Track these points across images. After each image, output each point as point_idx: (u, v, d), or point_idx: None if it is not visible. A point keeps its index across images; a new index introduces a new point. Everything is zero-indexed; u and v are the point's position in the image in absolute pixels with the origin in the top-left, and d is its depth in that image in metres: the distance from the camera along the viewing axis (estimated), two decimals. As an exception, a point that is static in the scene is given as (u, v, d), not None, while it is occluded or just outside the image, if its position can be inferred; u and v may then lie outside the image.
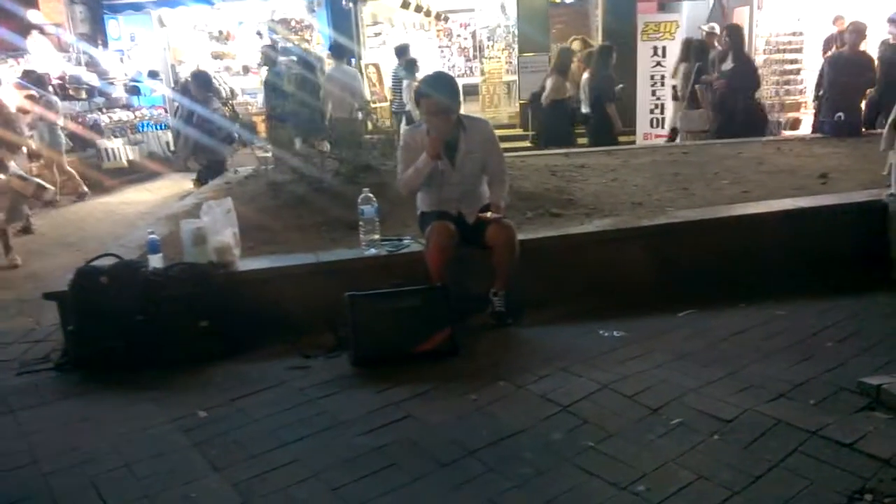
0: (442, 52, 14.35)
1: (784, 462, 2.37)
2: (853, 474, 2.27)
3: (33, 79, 8.87)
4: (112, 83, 10.75)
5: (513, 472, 2.43)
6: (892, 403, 2.61)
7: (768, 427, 2.58)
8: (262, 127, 11.40)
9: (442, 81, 3.89)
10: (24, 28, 10.09)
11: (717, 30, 8.59)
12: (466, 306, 3.74)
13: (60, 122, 8.84)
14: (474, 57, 14.46)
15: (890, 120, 4.30)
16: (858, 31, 7.11)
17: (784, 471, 2.33)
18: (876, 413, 2.63)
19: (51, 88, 9.47)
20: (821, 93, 7.61)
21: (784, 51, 10.28)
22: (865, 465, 2.32)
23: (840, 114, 7.00)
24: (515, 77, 12.47)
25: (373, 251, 3.96)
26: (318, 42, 11.72)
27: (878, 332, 3.39)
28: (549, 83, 8.26)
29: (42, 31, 10.36)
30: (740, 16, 11.16)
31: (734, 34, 7.58)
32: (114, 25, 12.00)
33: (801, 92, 10.16)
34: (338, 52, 8.80)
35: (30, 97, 9.15)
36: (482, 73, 13.20)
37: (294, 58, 8.61)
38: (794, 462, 2.37)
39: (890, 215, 4.19)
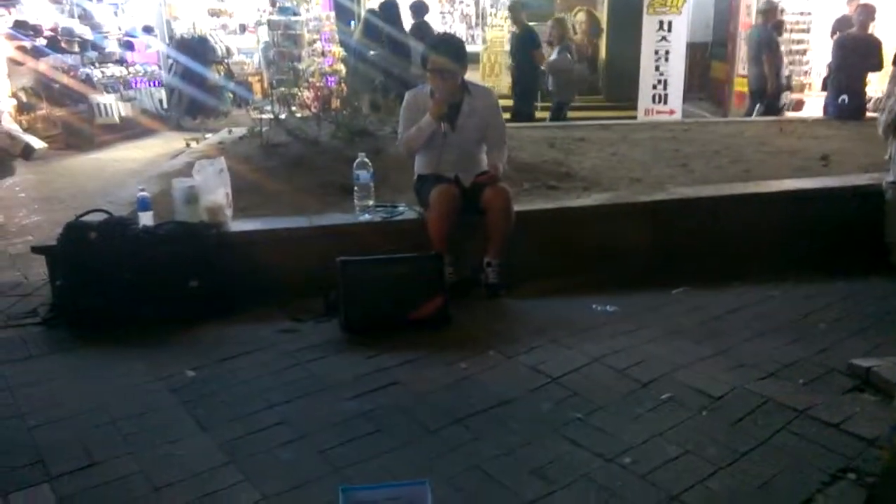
0: (444, 17, 14.14)
1: (770, 440, 2.37)
2: (838, 453, 2.28)
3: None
4: (106, 37, 10.55)
5: (499, 441, 2.42)
6: (881, 385, 2.61)
7: (757, 405, 2.58)
8: (257, 87, 11.28)
9: (449, 43, 3.95)
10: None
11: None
12: (468, 283, 3.72)
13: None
14: (476, 24, 14.26)
15: (891, 107, 4.24)
16: (868, 13, 7.03)
17: (770, 448, 2.33)
18: (864, 395, 2.63)
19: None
20: (826, 74, 7.56)
21: (791, 30, 10.12)
22: (850, 444, 2.33)
23: (844, 96, 6.95)
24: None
25: (367, 217, 3.92)
26: (318, 3, 11.51)
27: (870, 316, 3.40)
28: None
29: (35, -19, 10.13)
30: (748, -8, 11.02)
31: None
32: (110, -22, 11.76)
33: (806, 73, 10.04)
34: (418, 10, 8.66)
35: (21, 48, 9.00)
36: (484, 41, 13.01)
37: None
38: (780, 440, 2.37)
39: (887, 202, 4.17)
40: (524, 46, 8.04)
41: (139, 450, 2.41)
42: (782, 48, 8.07)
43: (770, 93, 7.92)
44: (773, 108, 8.00)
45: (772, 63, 7.74)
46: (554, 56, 8.11)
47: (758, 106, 8.13)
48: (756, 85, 8.09)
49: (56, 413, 2.66)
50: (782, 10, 8.51)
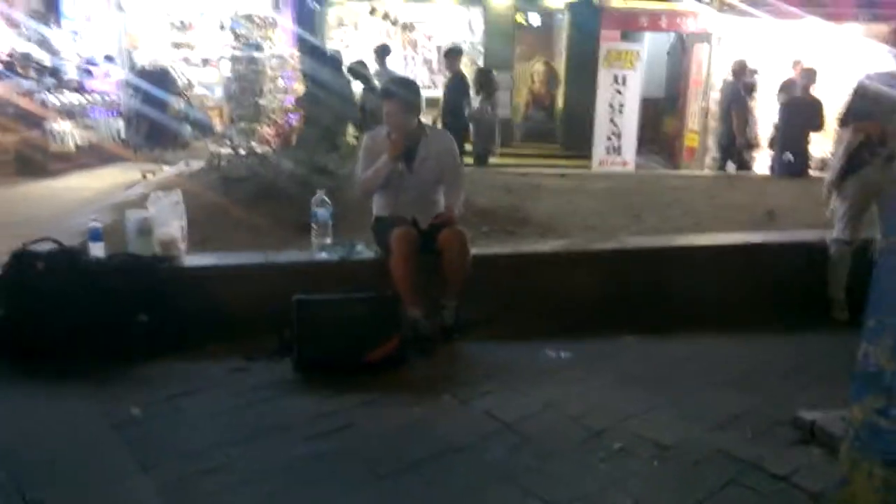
0: (406, 61, 14.32)
1: (721, 492, 2.40)
2: (785, 506, 2.32)
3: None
4: (64, 63, 10.37)
5: (451, 488, 2.40)
6: (826, 439, 2.66)
7: (706, 456, 2.61)
8: (217, 121, 11.20)
9: (403, 85, 4.11)
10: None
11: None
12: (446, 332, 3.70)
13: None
14: (438, 70, 14.47)
15: (834, 167, 4.43)
16: (809, 76, 7.39)
17: (720, 500, 2.36)
18: (810, 448, 2.69)
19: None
20: (773, 133, 7.88)
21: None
22: (797, 497, 2.37)
23: (789, 154, 7.25)
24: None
25: (324, 255, 3.90)
26: (281, 40, 11.57)
27: (816, 369, 3.48)
28: None
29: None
30: (700, 52, 11.48)
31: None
32: (69, 4, 11.62)
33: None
34: (382, 54, 8.72)
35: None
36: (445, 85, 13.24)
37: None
38: (729, 492, 2.40)
39: (830, 257, 4.33)
40: (456, 92, 8.22)
41: (76, 491, 2.32)
42: (751, 105, 8.33)
43: (737, 148, 8.20)
44: (743, 163, 8.26)
45: (740, 119, 8.03)
46: (475, 106, 8.26)
47: (729, 161, 8.34)
48: (725, 141, 8.35)
49: (-12, 450, 2.54)
50: (753, 72, 8.80)
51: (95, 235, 3.62)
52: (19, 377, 3.20)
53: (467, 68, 13.30)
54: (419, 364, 3.42)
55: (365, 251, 3.98)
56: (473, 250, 3.78)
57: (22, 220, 6.21)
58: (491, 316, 3.90)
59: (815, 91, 7.57)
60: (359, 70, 8.51)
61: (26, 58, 9.66)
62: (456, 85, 8.36)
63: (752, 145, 8.31)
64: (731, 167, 8.28)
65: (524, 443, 2.70)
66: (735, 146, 8.21)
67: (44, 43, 10.33)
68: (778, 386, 3.29)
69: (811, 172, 7.45)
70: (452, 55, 8.65)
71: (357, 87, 8.45)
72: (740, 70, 8.26)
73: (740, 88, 8.15)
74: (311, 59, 7.77)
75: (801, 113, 7.29)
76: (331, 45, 11.58)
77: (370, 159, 3.87)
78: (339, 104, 7.55)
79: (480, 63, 12.52)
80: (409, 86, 4.11)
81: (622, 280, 4.20)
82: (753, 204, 5.76)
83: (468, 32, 13.67)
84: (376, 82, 8.10)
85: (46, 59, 9.98)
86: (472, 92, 8.46)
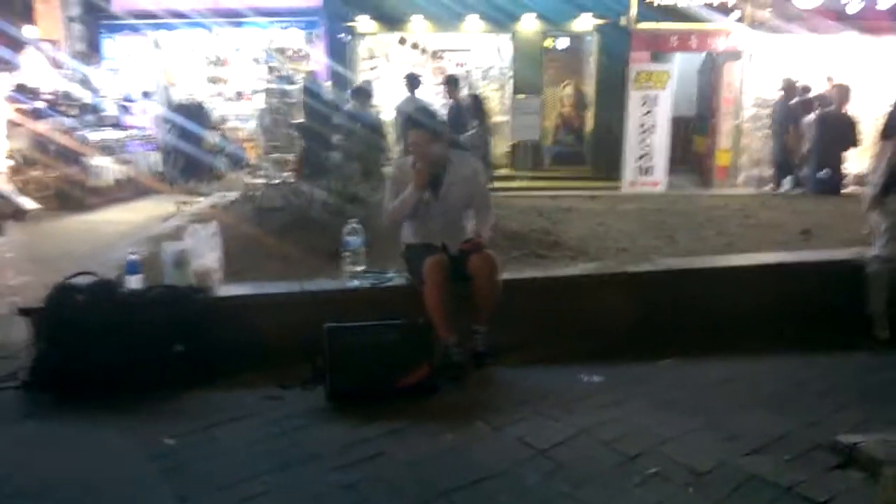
0: (436, 89, 14.50)
1: (757, 518, 2.35)
2: (826, 533, 2.26)
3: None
4: (104, 100, 10.73)
5: (485, 516, 2.39)
6: (867, 463, 2.59)
7: (742, 481, 2.56)
8: (252, 153, 11.44)
9: (426, 114, 4.13)
10: (18, 43, 10.10)
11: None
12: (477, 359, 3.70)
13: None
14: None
15: (876, 182, 4.35)
16: (843, 92, 7.30)
17: (758, 527, 2.31)
18: (850, 472, 2.62)
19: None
20: (807, 149, 7.77)
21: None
22: (837, 524, 2.31)
23: (825, 171, 7.14)
24: (506, 118, 12.59)
25: (356, 283, 3.94)
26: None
27: (855, 390, 3.40)
28: None
29: (37, 47, 10.38)
30: (731, 70, 11.40)
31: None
32: (110, 44, 12.07)
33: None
34: (412, 83, 8.90)
35: (20, 110, 9.13)
36: (474, 111, 13.33)
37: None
38: (767, 518, 2.35)
39: (869, 275, 4.23)
40: (456, 119, 8.28)
41: (115, 521, 2.36)
42: (805, 122, 8.15)
43: (797, 165, 8.06)
44: (799, 180, 8.11)
45: (796, 137, 7.92)
46: (469, 132, 8.22)
47: (788, 178, 8.18)
48: (779, 159, 8.22)
49: (30, 482, 2.60)
50: (804, 88, 8.61)
51: (133, 268, 3.71)
52: (57, 408, 3.28)
53: (498, 93, 13.51)
54: (451, 391, 3.42)
55: (396, 278, 4.01)
56: (504, 275, 3.78)
57: (62, 254, 6.41)
58: (523, 341, 3.89)
59: (850, 107, 7.46)
60: (365, 89, 8.69)
61: (68, 96, 10.01)
62: (455, 113, 8.44)
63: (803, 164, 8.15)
64: (786, 184, 8.10)
65: (558, 469, 2.68)
66: (790, 164, 8.09)
67: (85, 81, 10.69)
68: (815, 408, 3.21)
69: (846, 189, 7.32)
70: (450, 84, 8.73)
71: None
72: (790, 88, 8.16)
73: (789, 107, 8.05)
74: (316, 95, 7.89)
75: (835, 129, 7.19)
76: (363, 76, 11.80)
77: (397, 189, 3.91)
78: (371, 136, 7.67)
79: (510, 89, 12.61)
80: (432, 115, 4.15)
81: (655, 302, 4.16)
82: (788, 223, 5.68)
83: (497, 58, 13.78)
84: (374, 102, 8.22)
85: (87, 97, 10.33)
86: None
